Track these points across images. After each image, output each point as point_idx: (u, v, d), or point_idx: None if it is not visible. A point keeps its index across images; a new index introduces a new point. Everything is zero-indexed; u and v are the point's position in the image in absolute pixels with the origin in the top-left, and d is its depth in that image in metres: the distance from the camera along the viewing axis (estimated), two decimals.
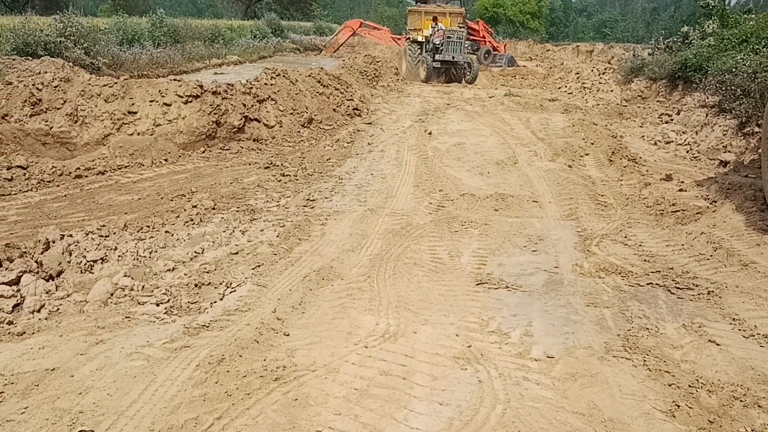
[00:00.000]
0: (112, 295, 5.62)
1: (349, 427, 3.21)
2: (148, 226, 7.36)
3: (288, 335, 4.23)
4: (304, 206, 8.18)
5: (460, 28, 27.19)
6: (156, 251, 6.62)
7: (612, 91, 21.01)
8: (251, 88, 12.20)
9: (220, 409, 3.25)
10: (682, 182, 8.90)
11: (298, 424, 3.19)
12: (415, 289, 5.30)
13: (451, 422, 3.29)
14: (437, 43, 24.52)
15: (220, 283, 5.49)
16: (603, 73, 23.64)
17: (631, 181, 9.46)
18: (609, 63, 26.45)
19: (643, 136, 13.39)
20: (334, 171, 10.16)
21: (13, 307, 5.50)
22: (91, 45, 17.22)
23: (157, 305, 5.00)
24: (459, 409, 3.40)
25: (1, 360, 3.79)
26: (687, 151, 11.87)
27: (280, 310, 4.64)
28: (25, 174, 9.47)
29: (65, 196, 8.89)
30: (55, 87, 10.68)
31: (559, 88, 25.08)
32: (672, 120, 14.14)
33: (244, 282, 5.48)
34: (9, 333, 4.32)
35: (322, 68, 15.88)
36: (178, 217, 7.70)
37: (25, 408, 3.25)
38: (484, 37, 34.31)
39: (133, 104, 10.81)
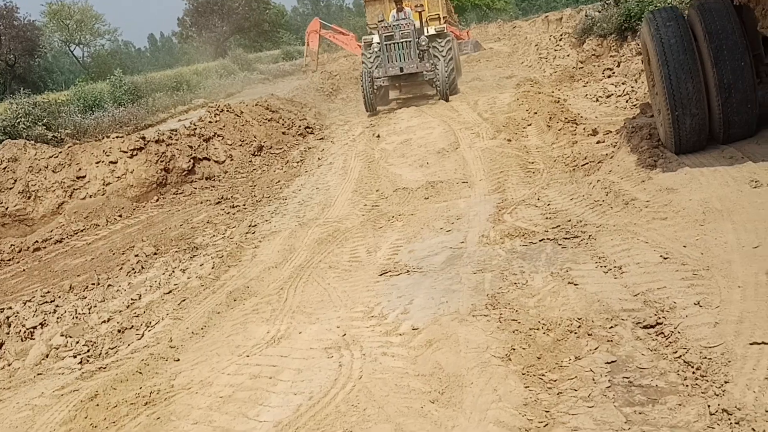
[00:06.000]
0: (47, 356, 5.88)
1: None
2: (93, 284, 7.62)
3: (178, 360, 4.47)
4: (246, 233, 8.40)
5: (416, 10, 17.65)
6: (95, 306, 6.88)
7: (568, 55, 21.12)
8: (195, 129, 12.52)
9: None
10: (606, 133, 9.03)
11: None
12: (322, 292, 5.52)
13: (299, 408, 3.52)
14: (376, 49, 16.84)
15: (141, 324, 5.74)
16: (560, 40, 23.76)
17: (562, 142, 9.62)
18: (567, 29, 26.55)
19: (586, 95, 13.50)
20: (282, 192, 10.39)
21: None
22: (52, 119, 17.67)
23: (75, 357, 5.25)
24: (310, 395, 3.63)
25: None
26: (626, 101, 11.96)
27: (177, 338, 4.89)
28: None
29: (24, 270, 9.20)
30: (4, 168, 11.06)
31: (522, 63, 25.24)
32: (614, 73, 14.25)
33: (163, 319, 5.73)
34: None
35: (272, 94, 16.19)
36: (121, 269, 7.97)
37: None
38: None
39: (80, 169, 11.15)
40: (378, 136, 13.09)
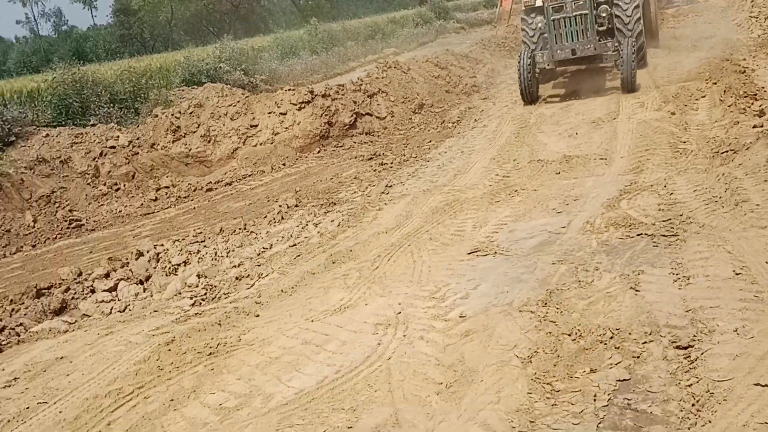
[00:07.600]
0: (180, 293, 6.73)
1: (239, 388, 3.91)
2: (240, 228, 8.43)
3: (258, 316, 4.98)
4: (382, 193, 8.79)
5: None
6: (233, 251, 7.67)
7: None
8: (361, 84, 13.05)
9: (144, 381, 4.11)
10: None
11: (201, 388, 3.96)
12: (410, 264, 5.76)
13: (324, 379, 3.86)
14: (540, 24, 13.25)
15: (256, 275, 6.36)
16: None
17: (725, 120, 8.90)
18: None
19: None
20: (429, 153, 10.64)
21: (111, 310, 6.86)
22: (250, 65, 19.11)
23: (191, 299, 5.98)
24: (339, 368, 3.95)
25: (33, 354, 5.00)
26: None
27: (267, 294, 5.41)
28: (166, 193, 11.16)
29: (194, 209, 10.34)
30: (190, 113, 12.34)
31: (733, 20, 22.97)
32: None
33: (273, 272, 6.31)
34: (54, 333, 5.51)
35: (447, 50, 16.29)
36: (265, 217, 8.71)
37: (26, 388, 4.38)
38: None
39: (253, 118, 12.16)
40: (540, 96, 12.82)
